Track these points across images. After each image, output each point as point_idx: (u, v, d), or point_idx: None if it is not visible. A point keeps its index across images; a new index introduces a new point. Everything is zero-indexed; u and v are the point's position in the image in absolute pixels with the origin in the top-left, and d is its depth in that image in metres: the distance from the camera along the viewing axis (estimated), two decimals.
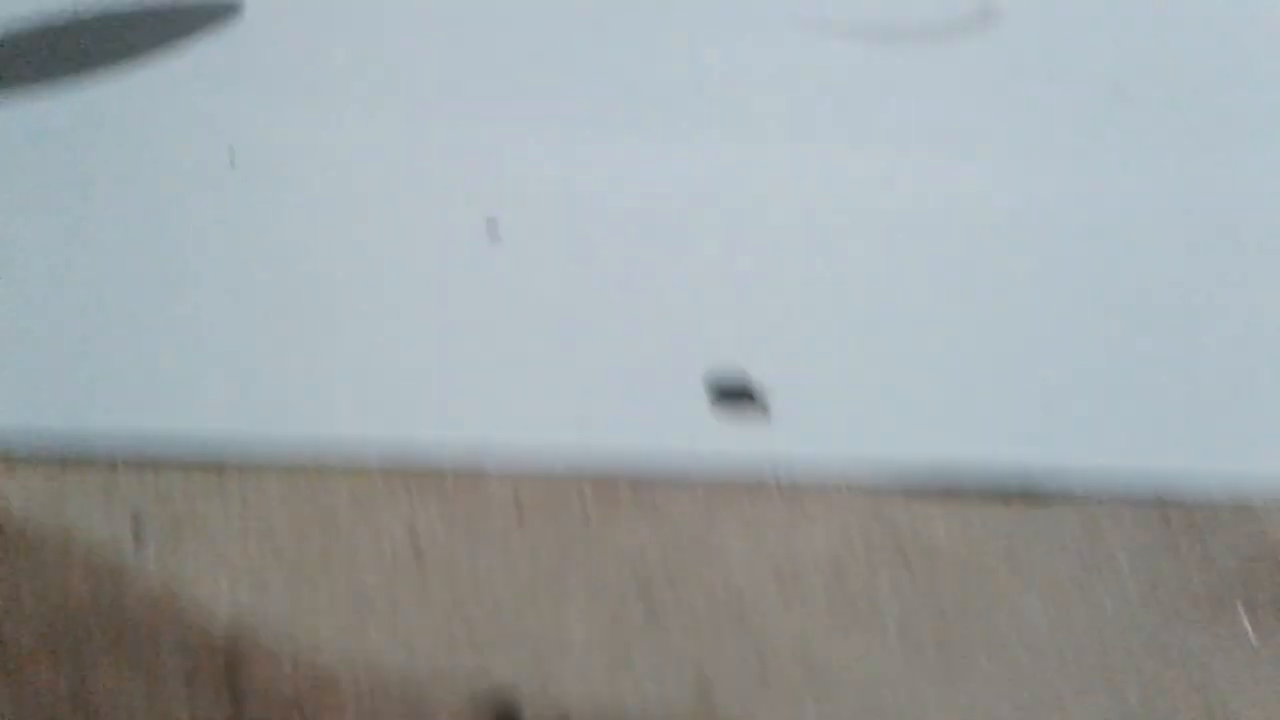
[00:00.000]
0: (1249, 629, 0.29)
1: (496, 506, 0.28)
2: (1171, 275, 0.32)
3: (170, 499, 0.27)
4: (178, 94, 0.36)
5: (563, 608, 0.27)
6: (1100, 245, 0.32)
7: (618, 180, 0.32)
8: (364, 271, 0.31)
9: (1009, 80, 0.36)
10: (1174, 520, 0.30)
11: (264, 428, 0.27)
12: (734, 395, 0.26)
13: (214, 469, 0.28)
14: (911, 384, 0.27)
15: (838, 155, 0.31)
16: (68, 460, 0.28)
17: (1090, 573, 0.28)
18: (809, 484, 0.27)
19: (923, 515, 0.28)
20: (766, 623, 0.27)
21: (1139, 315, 0.31)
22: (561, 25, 0.38)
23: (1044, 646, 0.28)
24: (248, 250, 0.31)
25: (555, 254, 0.29)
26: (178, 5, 0.51)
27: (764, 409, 0.25)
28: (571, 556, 0.27)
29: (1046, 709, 0.27)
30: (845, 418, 0.27)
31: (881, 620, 0.28)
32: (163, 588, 0.26)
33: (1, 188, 0.37)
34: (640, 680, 0.27)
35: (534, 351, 0.28)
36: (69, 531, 0.27)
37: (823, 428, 0.27)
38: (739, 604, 0.27)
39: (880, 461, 0.26)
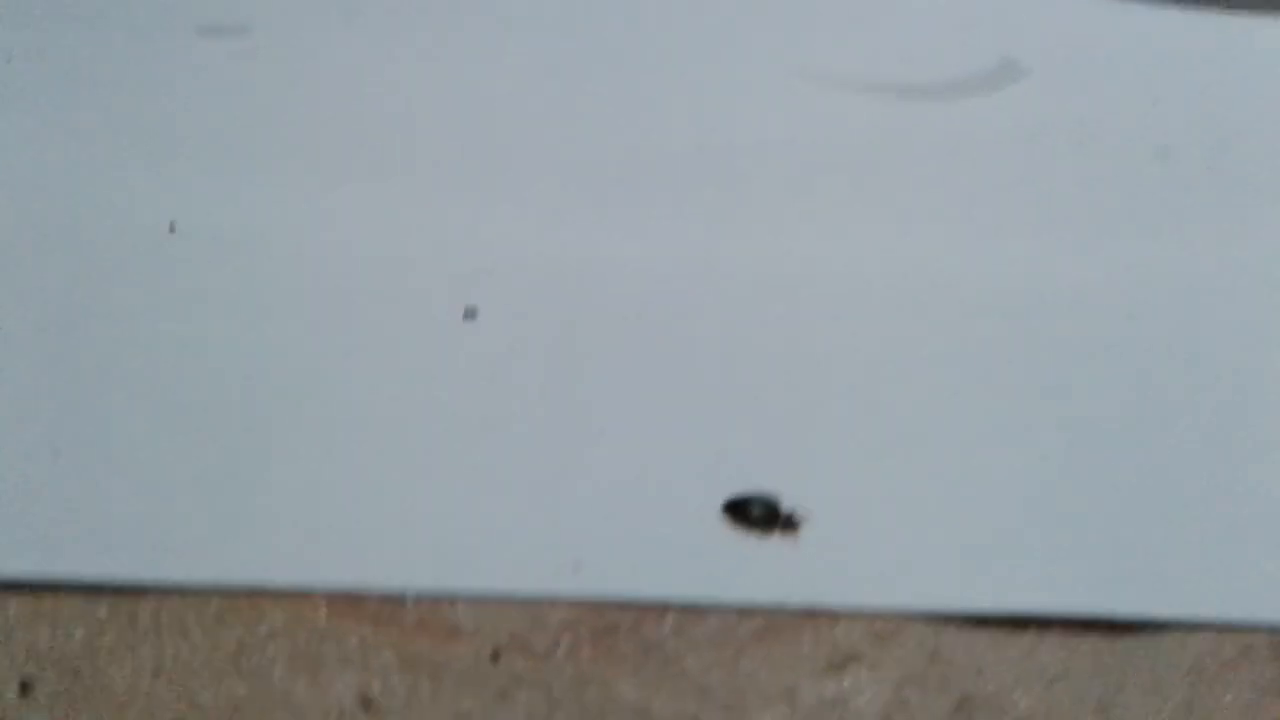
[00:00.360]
0: None
1: (465, 643, 0.23)
2: (1259, 369, 0.27)
3: (69, 644, 0.22)
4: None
5: None
6: (1175, 335, 0.28)
7: (612, 261, 0.27)
8: (313, 376, 0.25)
9: (1037, 142, 0.32)
10: None
11: (187, 555, 0.23)
12: (758, 517, 0.22)
13: (126, 597, 0.23)
14: (969, 490, 0.23)
15: (858, 229, 0.27)
16: None
17: None
18: (850, 619, 0.22)
19: (987, 653, 0.23)
20: None
21: (1230, 414, 0.26)
22: (544, 84, 0.34)
23: None
24: (177, 341, 0.26)
25: (543, 353, 0.25)
26: None
27: (794, 531, 0.21)
28: (559, 708, 0.22)
29: None
30: (890, 537, 0.23)
31: None
32: None
33: None
34: None
35: (520, 473, 0.23)
36: None
37: (864, 551, 0.22)
38: None
39: (935, 587, 0.22)
